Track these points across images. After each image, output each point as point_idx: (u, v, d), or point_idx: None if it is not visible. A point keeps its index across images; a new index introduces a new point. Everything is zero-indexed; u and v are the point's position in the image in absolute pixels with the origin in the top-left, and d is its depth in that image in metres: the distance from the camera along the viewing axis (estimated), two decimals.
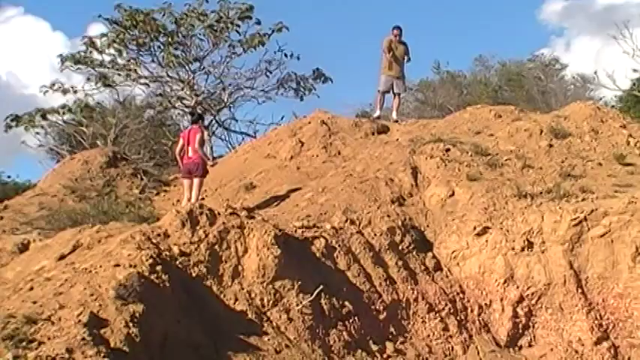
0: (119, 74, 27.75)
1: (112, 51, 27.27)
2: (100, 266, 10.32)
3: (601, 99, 32.50)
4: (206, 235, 11.72)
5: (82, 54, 27.58)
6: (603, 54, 52.18)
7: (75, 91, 28.54)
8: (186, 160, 16.24)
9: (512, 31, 78.14)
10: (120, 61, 27.54)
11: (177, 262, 11.22)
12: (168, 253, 11.20)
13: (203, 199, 15.93)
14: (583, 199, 14.23)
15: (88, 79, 27.93)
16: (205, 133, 16.07)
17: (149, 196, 18.88)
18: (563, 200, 14.30)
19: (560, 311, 13.33)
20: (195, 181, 15.92)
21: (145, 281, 10.08)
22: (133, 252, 10.69)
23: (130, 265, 10.31)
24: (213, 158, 24.69)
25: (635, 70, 30.81)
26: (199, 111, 16.68)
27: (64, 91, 28.61)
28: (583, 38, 77.79)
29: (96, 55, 27.48)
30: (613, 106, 26.59)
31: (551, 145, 17.19)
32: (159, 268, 10.53)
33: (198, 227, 11.80)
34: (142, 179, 19.89)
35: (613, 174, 16.04)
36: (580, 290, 13.32)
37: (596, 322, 13.14)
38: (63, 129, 30.39)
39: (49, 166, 26.49)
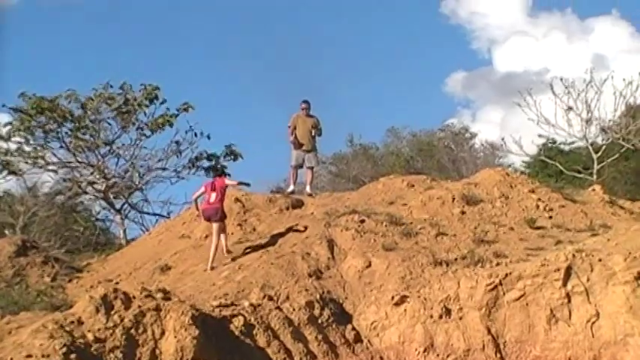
0: (26, 162, 27.24)
1: (17, 139, 26.82)
2: (11, 358, 10.01)
3: (510, 165, 33.26)
4: (121, 320, 11.49)
5: None
6: (508, 121, 53.52)
7: None
8: (205, 205, 16.57)
9: (421, 103, 79.82)
10: (27, 148, 27.07)
11: (93, 349, 10.95)
12: (82, 341, 10.93)
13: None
14: (497, 264, 14.41)
15: None
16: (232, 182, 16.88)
17: (61, 284, 18.36)
18: (478, 266, 14.48)
19: None
20: (215, 225, 16.22)
21: None
22: (45, 342, 10.41)
23: (43, 356, 10.06)
24: (127, 241, 24.39)
25: (540, 136, 31.74)
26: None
27: None
28: (488, 107, 79.86)
29: (1, 144, 26.98)
30: (522, 172, 27.12)
31: (463, 212, 17.44)
32: (73, 356, 10.31)
33: (113, 312, 11.56)
34: (53, 267, 19.36)
35: (525, 238, 16.35)
36: (499, 355, 13.37)
37: None
38: None
39: None
